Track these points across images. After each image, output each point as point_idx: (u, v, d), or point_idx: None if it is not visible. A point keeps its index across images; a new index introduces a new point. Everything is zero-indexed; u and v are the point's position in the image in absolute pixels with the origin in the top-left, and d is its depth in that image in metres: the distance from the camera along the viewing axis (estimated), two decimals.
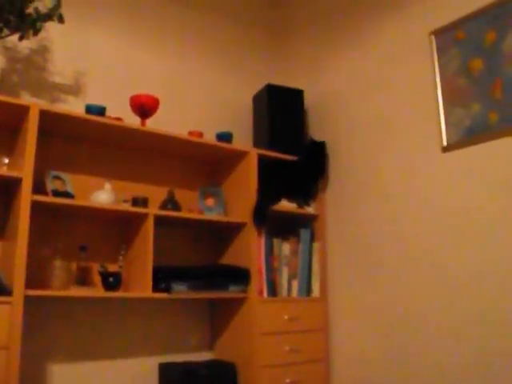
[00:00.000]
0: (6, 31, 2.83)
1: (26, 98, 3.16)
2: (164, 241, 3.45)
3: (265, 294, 3.37)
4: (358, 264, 3.46)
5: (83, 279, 2.99)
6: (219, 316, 3.57)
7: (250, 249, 3.37)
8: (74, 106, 3.30)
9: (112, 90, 3.51)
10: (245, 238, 3.42)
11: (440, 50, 3.10)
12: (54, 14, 2.89)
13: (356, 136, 3.61)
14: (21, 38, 2.87)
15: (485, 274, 2.71)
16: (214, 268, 3.40)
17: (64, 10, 3.12)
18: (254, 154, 3.49)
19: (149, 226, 3.03)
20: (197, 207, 3.54)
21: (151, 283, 2.97)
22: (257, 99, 3.94)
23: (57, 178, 2.96)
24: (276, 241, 3.52)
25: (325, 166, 3.74)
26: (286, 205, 3.57)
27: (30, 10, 2.85)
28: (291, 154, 3.68)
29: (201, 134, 3.43)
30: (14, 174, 2.62)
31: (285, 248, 3.55)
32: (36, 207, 2.77)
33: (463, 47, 2.97)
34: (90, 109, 3.00)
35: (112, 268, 3.15)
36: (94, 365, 3.12)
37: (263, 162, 3.56)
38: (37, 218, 2.92)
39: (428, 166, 3.09)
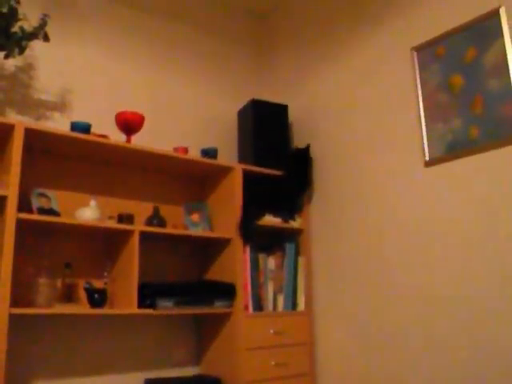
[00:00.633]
0: None
1: (11, 116, 3.17)
2: (149, 256, 3.46)
3: (250, 308, 3.39)
4: (343, 278, 3.49)
5: (68, 296, 2.99)
6: (205, 331, 3.58)
7: (236, 264, 3.38)
8: (59, 123, 3.32)
9: (97, 107, 3.53)
10: (230, 253, 3.44)
11: (421, 66, 3.15)
12: (40, 33, 2.92)
13: (340, 150, 3.64)
14: (6, 57, 2.89)
15: (469, 286, 2.75)
16: (200, 284, 3.41)
17: (49, 27, 3.13)
18: (238, 169, 3.51)
19: (134, 243, 3.04)
20: (182, 223, 3.56)
21: (137, 299, 2.97)
22: (241, 114, 3.97)
23: (42, 195, 2.97)
24: (261, 255, 3.54)
25: (310, 170, 3.78)
26: (270, 220, 3.59)
27: (15, 28, 2.88)
28: (276, 168, 3.71)
29: (186, 150, 3.45)
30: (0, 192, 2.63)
31: (270, 263, 3.57)
32: (21, 225, 2.77)
33: (444, 63, 3.02)
34: (75, 126, 3.02)
35: (97, 284, 3.16)
36: (80, 381, 3.11)
37: (248, 177, 3.58)
38: (22, 235, 2.92)
39: (411, 181, 3.13)
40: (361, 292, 3.35)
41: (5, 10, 2.82)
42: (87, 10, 3.64)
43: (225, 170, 3.57)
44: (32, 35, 2.91)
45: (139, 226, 3.11)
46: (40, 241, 3.10)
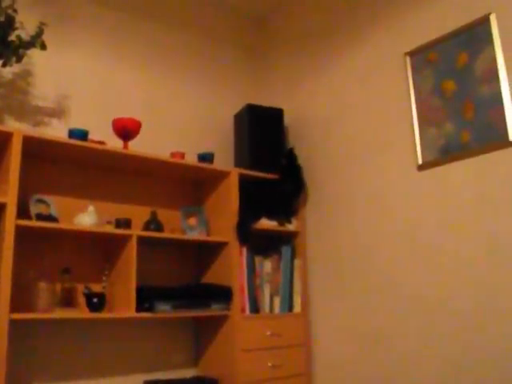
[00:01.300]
0: None
1: (9, 122, 3.20)
2: (147, 260, 3.49)
3: (247, 310, 3.43)
4: (339, 280, 3.53)
5: (68, 300, 3.03)
6: (203, 333, 3.62)
7: (232, 267, 3.43)
8: (57, 130, 3.35)
9: (95, 113, 3.56)
10: (227, 257, 3.48)
11: (414, 71, 3.19)
12: (37, 42, 2.96)
13: (334, 154, 3.68)
14: (4, 65, 2.93)
15: (460, 292, 2.79)
16: (197, 287, 3.45)
17: (46, 35, 3.16)
18: (235, 173, 3.56)
19: (132, 247, 3.08)
20: (179, 227, 3.60)
21: (135, 303, 3.01)
22: (237, 118, 4.01)
23: (40, 201, 3.01)
24: (257, 258, 3.59)
25: (300, 173, 3.82)
26: (267, 223, 3.63)
27: (12, 37, 2.91)
28: (272, 172, 3.75)
29: (183, 155, 3.49)
30: None
31: (266, 265, 3.62)
32: (20, 231, 2.80)
33: (436, 68, 3.06)
34: (72, 133, 3.05)
35: (96, 288, 3.20)
36: None
37: (244, 181, 3.62)
38: (21, 240, 2.95)
39: (404, 184, 3.17)
40: (356, 294, 3.39)
41: (2, 18, 2.85)
42: (84, 17, 3.67)
43: (221, 175, 3.61)
44: (29, 44, 2.95)
45: (137, 231, 3.16)
46: (39, 246, 3.13)
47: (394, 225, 3.20)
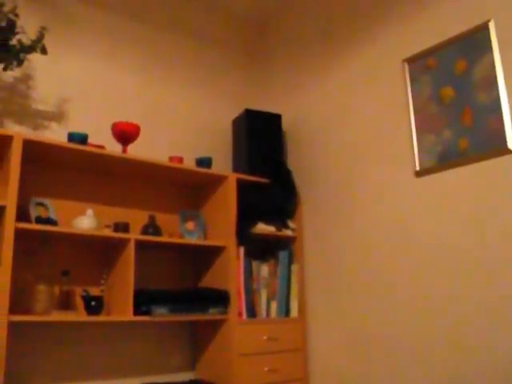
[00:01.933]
0: None
1: (9, 125, 3.22)
2: (145, 264, 3.51)
3: (244, 315, 3.44)
4: (336, 285, 3.54)
5: (66, 303, 3.04)
6: (200, 337, 3.63)
7: (230, 271, 3.44)
8: (56, 133, 3.37)
9: (94, 117, 3.58)
10: (224, 261, 3.49)
11: (412, 78, 3.21)
12: (37, 46, 2.98)
13: (331, 160, 3.70)
14: (5, 69, 2.94)
15: (459, 298, 2.81)
16: (194, 291, 3.46)
17: (46, 39, 3.19)
18: (232, 178, 3.57)
19: (130, 251, 3.09)
20: (177, 231, 3.61)
21: (132, 306, 3.02)
22: (236, 123, 4.03)
23: (40, 204, 3.02)
24: (255, 263, 3.60)
25: (290, 178, 3.83)
26: (264, 228, 3.64)
27: (13, 41, 2.93)
28: (270, 177, 3.76)
29: (181, 160, 3.50)
30: None
31: (263, 270, 3.63)
32: (19, 233, 2.82)
33: (434, 75, 3.08)
34: (72, 137, 3.07)
35: (94, 292, 3.21)
36: None
37: (242, 186, 3.64)
38: (20, 243, 2.95)
39: (401, 190, 3.19)
40: (353, 299, 3.41)
41: (3, 23, 2.87)
42: (84, 21, 3.69)
43: (219, 179, 3.63)
44: (30, 48, 2.97)
45: (135, 235, 3.17)
46: (38, 249, 3.14)
47: (391, 231, 3.22)
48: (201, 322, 3.62)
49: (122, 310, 3.08)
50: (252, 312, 3.49)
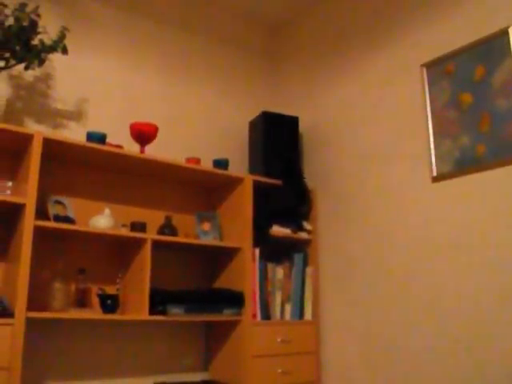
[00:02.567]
0: (12, 61, 2.94)
1: (29, 124, 3.26)
2: (161, 264, 3.53)
3: (258, 317, 3.45)
4: (350, 288, 3.54)
5: (82, 301, 3.07)
6: (214, 338, 3.64)
7: (245, 273, 3.45)
8: (75, 132, 3.40)
9: (113, 117, 3.61)
10: (239, 263, 3.50)
11: (431, 82, 3.21)
12: (58, 46, 3.00)
13: (347, 163, 3.71)
14: (26, 68, 2.97)
15: (475, 303, 2.80)
16: (210, 291, 3.47)
17: (67, 38, 3.22)
18: (249, 180, 3.58)
19: (146, 251, 3.11)
20: (193, 231, 3.63)
21: (148, 306, 3.04)
22: (253, 125, 4.04)
23: (58, 202, 3.05)
24: (270, 265, 3.61)
25: (301, 181, 3.82)
26: (280, 230, 3.65)
27: (35, 41, 2.96)
28: (282, 177, 3.77)
29: (198, 161, 3.52)
30: (18, 200, 2.71)
31: (278, 272, 3.63)
32: (37, 231, 2.85)
33: (453, 80, 3.07)
34: (91, 136, 3.09)
35: (110, 290, 3.23)
36: (91, 383, 3.20)
37: (260, 187, 3.65)
38: (37, 241, 2.98)
39: (418, 195, 3.19)
40: (367, 303, 3.41)
41: (26, 23, 2.90)
42: (103, 21, 3.72)
43: (235, 181, 3.64)
44: (51, 48, 3.00)
45: (151, 235, 3.19)
46: (55, 247, 3.17)
47: (407, 235, 3.22)
48: (215, 322, 3.63)
49: (137, 308, 3.10)
50: (266, 314, 3.50)
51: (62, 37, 3.03)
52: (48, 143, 2.90)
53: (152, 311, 3.08)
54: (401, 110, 3.38)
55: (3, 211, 2.90)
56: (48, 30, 3.17)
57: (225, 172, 3.54)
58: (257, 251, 3.53)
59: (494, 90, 2.85)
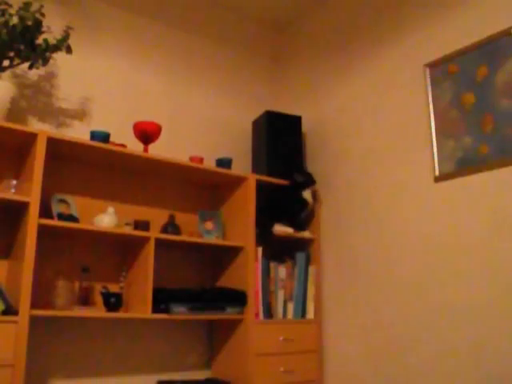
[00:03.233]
0: (16, 60, 2.95)
1: (33, 123, 3.27)
2: (164, 262, 3.55)
3: (261, 315, 3.46)
4: (352, 288, 3.55)
5: (85, 299, 3.08)
6: (217, 336, 3.66)
7: (247, 272, 3.46)
8: (79, 131, 3.41)
9: (116, 116, 3.62)
10: (242, 261, 3.51)
11: (433, 83, 3.20)
12: (63, 46, 3.02)
13: (350, 163, 3.71)
14: (30, 67, 2.99)
15: (478, 303, 2.80)
16: (212, 290, 3.48)
17: (71, 38, 3.23)
18: (252, 179, 3.59)
19: (150, 249, 3.12)
20: (196, 230, 3.64)
21: (151, 304, 3.06)
22: (256, 125, 4.05)
23: (61, 201, 3.07)
24: (272, 264, 3.62)
25: (302, 198, 3.78)
26: (283, 229, 3.66)
27: (39, 40, 2.98)
28: (289, 179, 3.78)
29: (201, 160, 3.53)
30: (22, 198, 2.72)
31: (281, 271, 3.64)
32: (41, 229, 2.86)
33: (456, 80, 3.07)
34: (94, 135, 3.11)
35: (113, 288, 3.25)
36: (94, 381, 3.20)
37: (263, 186, 3.66)
38: (41, 239, 2.98)
39: (420, 195, 3.19)
40: (369, 301, 3.41)
41: (30, 22, 2.91)
42: (107, 21, 3.73)
43: (238, 180, 3.65)
44: (55, 47, 3.01)
45: (155, 233, 3.19)
46: (59, 245, 3.19)
47: (409, 235, 3.22)
48: (218, 321, 3.64)
49: (140, 307, 3.11)
50: (269, 312, 3.51)
51: (66, 36, 3.04)
52: (52, 142, 2.91)
53: (155, 309, 3.09)
54: (404, 110, 3.39)
55: (7, 209, 2.92)
56: (52, 30, 3.18)
57: (228, 171, 3.55)
58: (259, 250, 3.54)
59: (496, 91, 2.85)
